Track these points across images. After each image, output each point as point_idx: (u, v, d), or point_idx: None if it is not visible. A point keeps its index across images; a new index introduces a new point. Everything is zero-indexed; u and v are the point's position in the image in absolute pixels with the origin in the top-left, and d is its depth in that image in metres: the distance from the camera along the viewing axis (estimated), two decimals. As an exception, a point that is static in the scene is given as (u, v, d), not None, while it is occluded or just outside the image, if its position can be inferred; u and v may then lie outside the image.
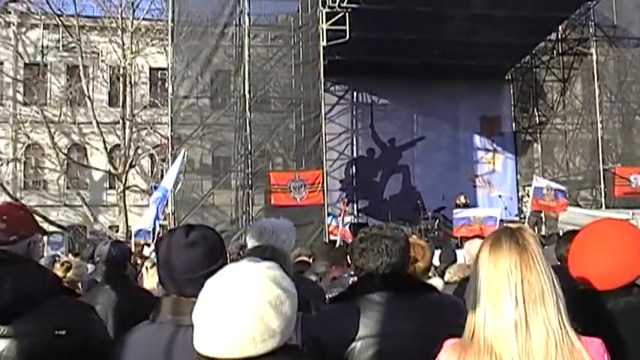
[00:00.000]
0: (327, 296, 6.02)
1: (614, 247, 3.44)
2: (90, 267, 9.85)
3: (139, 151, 40.22)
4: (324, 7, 24.88)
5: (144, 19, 40.12)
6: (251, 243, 4.96)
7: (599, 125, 28.74)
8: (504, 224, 25.01)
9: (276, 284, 2.36)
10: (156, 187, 38.21)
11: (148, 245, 18.84)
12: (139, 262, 11.72)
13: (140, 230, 22.96)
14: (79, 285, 7.74)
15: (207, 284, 2.41)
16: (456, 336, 2.72)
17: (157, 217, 19.93)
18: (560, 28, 30.51)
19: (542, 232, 27.28)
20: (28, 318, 3.27)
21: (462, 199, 27.93)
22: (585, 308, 3.24)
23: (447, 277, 8.41)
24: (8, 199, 38.67)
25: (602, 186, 28.41)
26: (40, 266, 3.43)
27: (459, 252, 11.19)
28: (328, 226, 24.58)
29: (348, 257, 7.48)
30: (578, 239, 3.62)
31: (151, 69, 42.04)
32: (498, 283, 2.63)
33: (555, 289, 2.65)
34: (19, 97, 41.50)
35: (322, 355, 3.65)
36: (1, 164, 40.05)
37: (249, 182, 25.01)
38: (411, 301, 3.70)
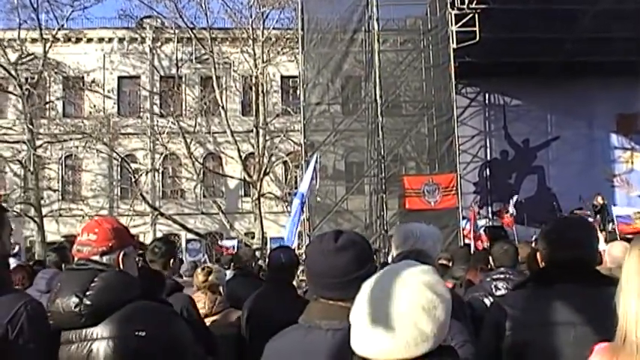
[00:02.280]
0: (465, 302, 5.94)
1: None
2: (228, 273, 10.06)
3: (273, 159, 40.67)
4: (453, 9, 24.69)
5: (274, 28, 40.57)
6: (395, 247, 4.95)
7: None
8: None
9: (430, 289, 2.35)
10: (289, 194, 38.96)
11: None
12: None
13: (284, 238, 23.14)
14: (220, 289, 7.90)
15: (365, 286, 2.43)
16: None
17: (294, 229, 20.02)
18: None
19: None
20: (112, 321, 3.43)
21: (599, 200, 27.33)
22: None
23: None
24: (148, 209, 39.81)
25: None
26: (125, 273, 3.56)
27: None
28: (463, 230, 24.38)
29: (491, 260, 7.47)
30: None
31: (282, 77, 42.48)
32: None
33: None
34: (156, 109, 42.56)
35: (502, 339, 3.66)
36: (141, 175, 41.12)
37: (383, 187, 25.01)
38: (595, 294, 3.65)
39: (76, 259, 3.63)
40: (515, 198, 27.82)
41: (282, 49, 40.44)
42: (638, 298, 2.57)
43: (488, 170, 31.49)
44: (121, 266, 3.61)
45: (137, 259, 4.05)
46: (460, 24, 24.63)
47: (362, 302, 2.39)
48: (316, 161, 22.31)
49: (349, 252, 3.10)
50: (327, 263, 3.11)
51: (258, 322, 6.05)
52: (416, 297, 2.32)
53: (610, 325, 2.68)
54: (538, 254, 3.97)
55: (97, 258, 3.56)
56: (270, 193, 40.54)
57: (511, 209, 26.84)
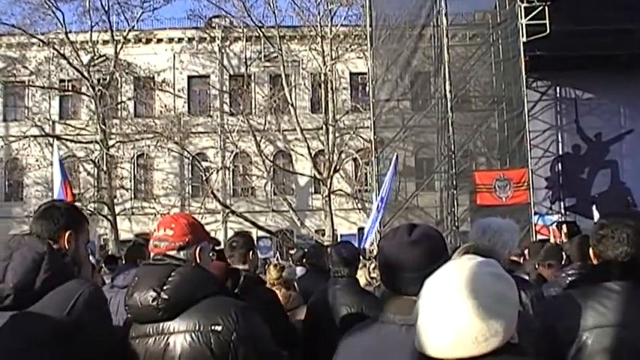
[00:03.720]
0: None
1: None
2: (299, 270, 10.10)
3: (343, 156, 40.71)
4: (523, 2, 24.48)
5: (342, 25, 40.62)
6: (474, 239, 4.93)
7: None
8: None
9: (497, 281, 2.33)
10: (360, 191, 38.96)
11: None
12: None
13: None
14: (294, 284, 7.95)
15: (428, 282, 2.40)
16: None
17: (372, 229, 20.13)
18: None
19: None
20: (188, 315, 3.46)
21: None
22: None
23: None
24: (219, 207, 40.13)
25: None
26: (202, 268, 3.60)
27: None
28: (535, 225, 24.15)
29: (565, 255, 7.39)
30: None
31: (351, 74, 42.49)
32: None
33: None
34: (226, 108, 42.87)
35: (555, 342, 3.61)
36: (212, 173, 41.45)
37: (454, 183, 24.90)
38: None
39: (152, 254, 3.68)
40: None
41: (350, 46, 40.46)
42: None
43: (560, 165, 31.09)
44: (198, 261, 3.65)
45: (212, 254, 4.10)
46: (530, 17, 24.38)
47: (427, 298, 2.37)
48: (396, 160, 22.19)
49: (423, 245, 3.10)
50: (400, 257, 3.11)
51: (323, 316, 6.08)
52: (483, 290, 2.29)
53: None
54: (591, 251, 3.91)
55: (173, 253, 3.61)
56: (340, 190, 40.55)
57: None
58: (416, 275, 2.94)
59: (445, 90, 25.08)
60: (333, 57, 40.37)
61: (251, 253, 6.32)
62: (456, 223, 23.97)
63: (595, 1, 24.69)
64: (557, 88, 31.30)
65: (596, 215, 25.06)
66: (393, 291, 3.16)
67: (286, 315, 6.54)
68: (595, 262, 3.86)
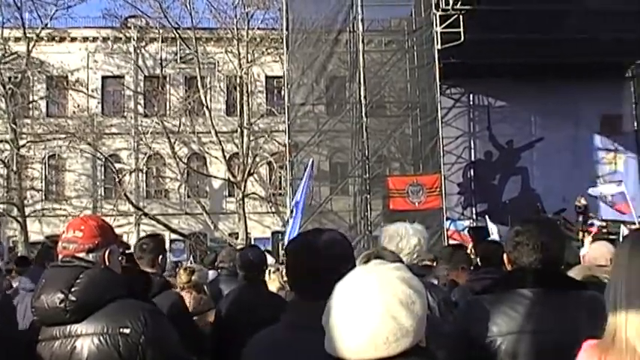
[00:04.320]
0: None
1: None
2: (211, 273, 10.06)
3: (257, 159, 40.65)
4: (438, 10, 24.76)
5: (258, 28, 40.61)
6: (384, 245, 4.96)
7: None
8: (629, 226, 24.62)
9: (407, 283, 2.35)
10: (274, 194, 38.98)
11: (269, 252, 19.05)
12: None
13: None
14: (204, 288, 7.92)
15: (338, 287, 2.40)
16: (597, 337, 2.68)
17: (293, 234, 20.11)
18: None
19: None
20: (96, 318, 3.43)
21: (582, 201, 27.42)
22: None
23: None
24: (132, 209, 39.74)
25: None
26: (111, 271, 3.58)
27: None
28: (447, 230, 24.46)
29: (477, 260, 7.48)
30: None
31: (266, 77, 42.46)
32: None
33: None
34: (140, 109, 42.47)
35: (470, 346, 3.64)
36: (125, 175, 41.03)
37: (367, 188, 25.04)
38: (561, 298, 3.65)
39: (60, 256, 3.62)
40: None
41: (266, 49, 40.46)
42: (628, 294, 2.57)
43: (472, 171, 31.53)
44: (107, 263, 3.60)
45: (121, 258, 4.04)
46: (445, 25, 24.67)
47: (337, 301, 2.37)
48: (312, 167, 22.17)
49: (330, 250, 3.10)
50: (308, 261, 3.10)
51: (231, 320, 6.09)
52: (393, 292, 2.30)
53: (579, 328, 2.69)
54: (505, 257, 3.95)
55: (82, 255, 3.55)
56: (254, 193, 40.50)
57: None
58: (321, 280, 2.93)
59: (360, 95, 25.22)
60: (249, 60, 40.32)
61: (160, 256, 6.27)
62: (369, 228, 24.11)
63: (508, 12, 25.07)
64: (471, 96, 31.75)
65: (491, 227, 25.53)
66: (300, 295, 3.16)
67: (192, 320, 6.53)
68: (509, 268, 3.91)
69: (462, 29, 24.34)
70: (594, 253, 6.99)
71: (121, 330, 3.37)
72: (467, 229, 26.93)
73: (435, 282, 8.21)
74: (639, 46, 30.54)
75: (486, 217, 26.34)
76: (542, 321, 3.57)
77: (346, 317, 2.30)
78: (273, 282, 9.37)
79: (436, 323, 3.91)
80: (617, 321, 2.57)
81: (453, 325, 4.08)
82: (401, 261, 4.26)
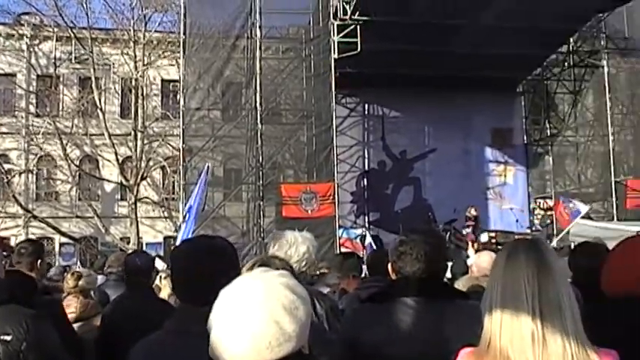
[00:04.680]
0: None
1: None
2: (100, 278, 9.92)
3: (151, 163, 40.27)
4: (336, 20, 24.94)
5: (156, 31, 40.30)
6: (271, 252, 4.98)
7: (611, 137, 28.62)
8: (516, 237, 25.18)
9: (290, 290, 2.38)
10: (167, 199, 38.64)
11: (160, 257, 18.90)
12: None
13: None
14: (92, 293, 7.81)
15: (222, 293, 2.42)
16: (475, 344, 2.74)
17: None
18: (571, 40, 30.46)
19: (554, 245, 27.22)
20: None
21: (473, 212, 27.86)
22: (613, 319, 3.32)
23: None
24: (20, 211, 38.89)
25: (614, 198, 28.26)
26: None
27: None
28: (339, 239, 24.61)
29: (366, 268, 7.56)
30: (616, 253, 3.71)
31: (162, 81, 42.15)
32: (515, 294, 2.65)
33: (571, 301, 2.67)
34: (32, 109, 41.63)
35: (356, 354, 3.68)
36: (14, 175, 40.16)
37: (261, 194, 25.01)
38: (443, 307, 3.73)
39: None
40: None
41: (163, 52, 40.18)
42: (504, 304, 2.64)
43: (365, 180, 31.71)
44: (-12, 269, 3.52)
45: (4, 262, 3.95)
46: (342, 34, 24.84)
47: (221, 307, 2.38)
48: (206, 172, 21.98)
49: (214, 257, 3.11)
50: (192, 268, 3.10)
51: (117, 325, 6.02)
52: (276, 297, 2.34)
53: (458, 336, 2.77)
54: (390, 266, 4.01)
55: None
56: (147, 197, 40.10)
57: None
58: (207, 286, 2.92)
59: (256, 102, 25.19)
60: (146, 63, 39.97)
61: (39, 260, 6.15)
62: (262, 234, 24.08)
63: (405, 24, 25.43)
64: (366, 105, 31.95)
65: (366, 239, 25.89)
66: (185, 301, 3.15)
67: (71, 325, 6.41)
68: (394, 277, 3.96)
69: (359, 39, 24.54)
70: (480, 262, 7.18)
71: (2, 337, 3.30)
72: (359, 237, 27.16)
73: (326, 290, 8.28)
74: (531, 62, 31.44)
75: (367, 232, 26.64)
76: (423, 329, 3.64)
77: (230, 323, 2.32)
78: (165, 288, 9.32)
79: (321, 330, 3.95)
80: (491, 328, 2.65)
81: (339, 332, 4.12)
82: (290, 268, 4.30)
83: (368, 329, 3.73)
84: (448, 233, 27.53)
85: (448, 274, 10.51)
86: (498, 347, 2.63)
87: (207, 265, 3.07)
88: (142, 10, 39.83)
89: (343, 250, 23.76)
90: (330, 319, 4.77)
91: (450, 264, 10.96)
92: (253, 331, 2.27)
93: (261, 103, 25.16)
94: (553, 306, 2.63)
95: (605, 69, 28.98)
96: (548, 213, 32.86)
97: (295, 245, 5.02)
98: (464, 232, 27.05)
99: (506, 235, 26.32)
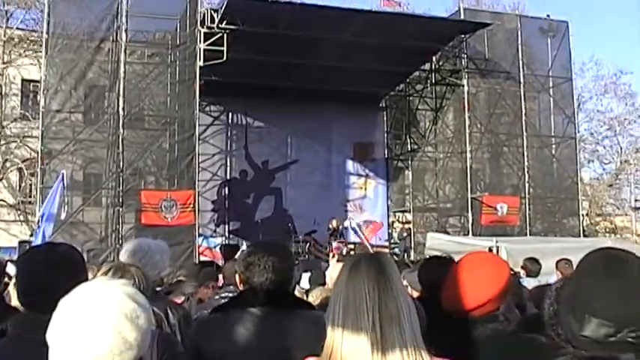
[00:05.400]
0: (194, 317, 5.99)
1: (485, 276, 3.63)
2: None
3: (8, 165, 39.14)
4: (203, 27, 24.93)
5: (18, 28, 39.24)
6: (124, 260, 4.95)
7: (469, 155, 29.37)
8: (375, 249, 25.64)
9: (131, 299, 2.40)
10: (23, 202, 37.62)
11: (13, 262, 18.40)
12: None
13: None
14: None
15: (63, 301, 2.42)
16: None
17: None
18: (434, 58, 31.16)
19: (412, 258, 27.77)
20: None
21: (334, 224, 28.22)
22: (454, 333, 3.43)
23: (310, 298, 8.56)
24: None
25: (470, 214, 28.98)
26: None
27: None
28: (199, 247, 24.50)
29: (221, 277, 7.56)
30: (455, 269, 3.81)
31: (23, 80, 40.95)
32: (356, 305, 2.71)
33: (411, 314, 2.75)
34: None
35: None
36: None
37: (120, 200, 24.66)
38: (289, 317, 3.78)
39: None
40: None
41: (24, 50, 39.11)
42: (345, 315, 2.71)
43: (227, 189, 31.67)
44: None
45: None
46: (208, 42, 24.86)
47: (61, 316, 2.37)
48: (62, 178, 21.45)
49: (60, 265, 3.08)
50: (36, 275, 3.06)
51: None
52: (118, 306, 2.36)
53: (303, 346, 2.82)
54: (237, 277, 4.05)
55: None
56: (2, 200, 38.98)
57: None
58: (51, 294, 2.89)
59: (118, 106, 24.86)
60: (5, 61, 38.87)
61: None
62: (120, 241, 23.72)
63: (270, 35, 25.57)
64: (230, 114, 31.93)
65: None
66: (27, 308, 3.11)
67: None
68: (242, 287, 3.99)
69: (225, 48, 24.59)
70: (332, 274, 7.24)
71: None
72: (219, 246, 27.12)
73: (182, 298, 8.26)
74: (394, 78, 32.03)
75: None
76: (268, 339, 3.70)
77: (70, 332, 2.32)
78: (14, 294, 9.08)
79: (173, 342, 3.94)
80: (333, 339, 2.71)
81: (188, 341, 4.13)
82: (144, 275, 4.28)
83: (213, 340, 3.76)
84: (308, 244, 27.78)
85: (306, 285, 10.62)
86: (339, 357, 2.69)
87: (49, 274, 3.04)
88: (4, 6, 38.81)
89: (202, 258, 23.71)
90: (183, 329, 4.77)
91: (307, 275, 11.07)
92: (94, 340, 2.28)
93: (123, 108, 24.83)
94: (393, 319, 2.70)
95: (465, 88, 29.73)
96: (406, 226, 33.52)
97: (149, 253, 5.01)
98: (333, 244, 27.34)
99: (364, 247, 26.72)
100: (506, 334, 3.61)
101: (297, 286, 7.21)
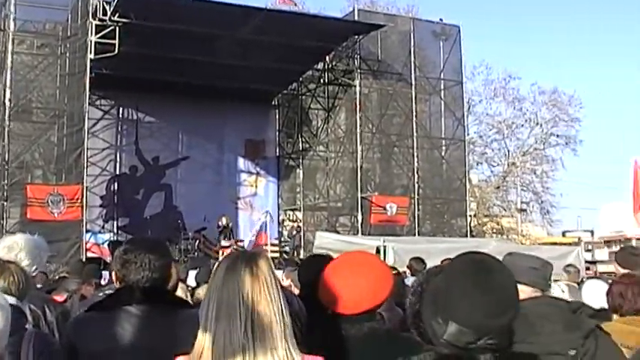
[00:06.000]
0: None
1: (362, 275, 3.64)
2: None
3: None
4: (95, 20, 24.43)
5: None
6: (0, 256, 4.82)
7: (359, 154, 29.58)
8: (263, 246, 25.70)
9: None
10: None
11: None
12: None
13: None
14: None
15: None
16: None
17: None
18: (327, 58, 31.27)
19: (301, 256, 27.90)
20: None
21: (224, 221, 28.10)
22: (331, 331, 3.46)
23: (196, 296, 8.57)
24: None
25: (360, 213, 29.20)
26: None
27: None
28: (86, 243, 24.12)
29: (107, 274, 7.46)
30: (332, 267, 3.80)
31: None
32: (229, 307, 2.71)
33: (284, 318, 2.75)
34: None
35: None
36: None
37: (5, 194, 24.08)
38: (165, 315, 3.74)
39: None
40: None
41: None
42: (218, 316, 2.72)
43: (116, 184, 31.18)
44: None
45: None
46: (100, 35, 24.39)
47: None
48: None
49: None
50: None
51: None
52: None
53: (178, 344, 2.80)
54: (114, 274, 4.00)
55: None
56: None
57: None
58: None
59: (5, 97, 24.27)
60: None
61: None
62: (4, 236, 23.18)
63: (164, 30, 25.34)
64: (120, 109, 31.42)
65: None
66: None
67: None
68: (118, 285, 3.94)
69: (117, 41, 24.19)
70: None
71: None
72: (107, 242, 26.73)
73: (65, 295, 8.13)
74: (287, 77, 32.04)
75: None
76: (144, 337, 3.67)
77: None
78: None
79: (49, 340, 3.91)
80: (205, 339, 2.71)
81: (64, 339, 4.06)
82: (23, 271, 4.22)
83: (87, 338, 3.70)
84: (197, 241, 27.63)
85: (192, 282, 10.59)
86: (210, 357, 2.68)
87: None
88: None
89: (90, 255, 23.36)
90: (61, 326, 4.70)
91: (195, 272, 11.03)
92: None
93: (10, 99, 24.27)
94: (265, 324, 2.70)
95: (358, 88, 29.95)
96: (297, 225, 33.63)
97: (26, 249, 4.91)
98: (222, 242, 27.27)
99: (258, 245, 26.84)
100: (381, 333, 3.63)
101: (180, 284, 7.13)
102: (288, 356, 2.71)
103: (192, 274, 11.66)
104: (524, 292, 4.15)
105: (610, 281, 6.35)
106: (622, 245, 24.20)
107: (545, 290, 4.37)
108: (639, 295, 5.14)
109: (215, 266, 2.91)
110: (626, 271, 7.43)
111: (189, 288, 9.79)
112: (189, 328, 3.37)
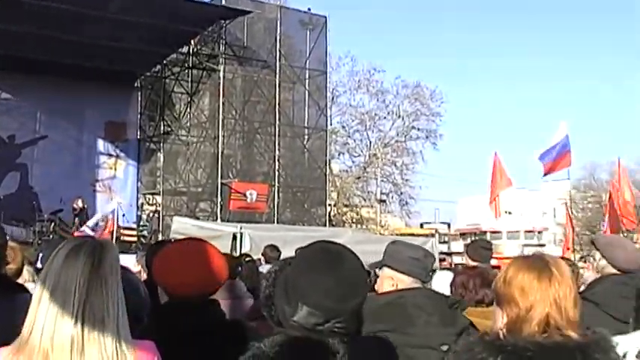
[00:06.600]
0: None
1: (190, 262, 3.66)
2: None
3: None
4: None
5: None
6: None
7: (221, 140, 29.48)
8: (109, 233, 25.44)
9: None
10: None
11: None
12: None
13: None
14: None
15: None
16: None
17: None
18: (192, 42, 31.01)
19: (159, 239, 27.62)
20: None
21: (80, 203, 27.56)
22: (177, 317, 3.50)
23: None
24: None
25: (219, 199, 29.12)
26: None
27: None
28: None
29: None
30: (164, 253, 3.81)
31: None
32: (64, 296, 2.65)
33: (119, 312, 2.72)
34: None
35: None
36: None
37: None
38: (1, 301, 3.59)
39: None
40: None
41: None
42: (52, 304, 2.69)
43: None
44: None
45: None
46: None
47: None
48: None
49: None
50: None
51: None
52: None
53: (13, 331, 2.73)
54: None
55: None
56: None
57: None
58: None
59: None
60: None
61: None
62: None
63: (28, 4, 24.53)
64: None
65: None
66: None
67: None
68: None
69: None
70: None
71: None
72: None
73: None
74: (151, 59, 31.61)
75: None
76: None
77: None
78: None
79: None
80: (34, 325, 2.69)
81: None
82: None
83: None
84: (53, 223, 27.02)
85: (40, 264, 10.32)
86: (39, 343, 2.63)
87: None
88: None
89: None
90: None
91: (41, 255, 10.76)
92: None
93: None
94: (98, 314, 2.67)
95: (222, 74, 29.81)
96: (156, 209, 33.31)
97: None
98: (71, 223, 26.79)
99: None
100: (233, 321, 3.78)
101: (27, 267, 6.90)
102: (118, 347, 2.68)
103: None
104: (404, 282, 4.25)
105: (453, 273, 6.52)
106: (475, 238, 24.93)
107: (425, 281, 4.45)
108: (481, 287, 5.30)
109: (57, 249, 2.82)
110: (475, 263, 7.67)
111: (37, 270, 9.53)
112: (20, 313, 3.29)
